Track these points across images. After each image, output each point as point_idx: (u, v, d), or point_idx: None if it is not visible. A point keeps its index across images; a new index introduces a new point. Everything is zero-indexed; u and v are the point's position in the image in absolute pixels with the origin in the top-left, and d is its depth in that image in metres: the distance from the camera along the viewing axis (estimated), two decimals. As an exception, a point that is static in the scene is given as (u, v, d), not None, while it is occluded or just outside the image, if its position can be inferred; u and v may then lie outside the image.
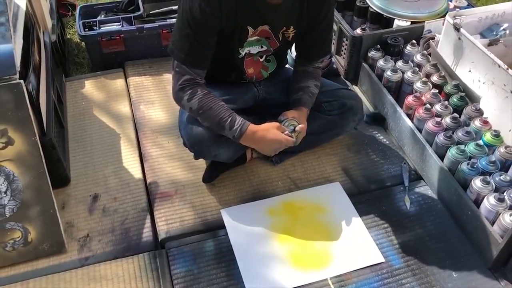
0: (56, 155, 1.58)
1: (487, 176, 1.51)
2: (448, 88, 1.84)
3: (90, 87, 2.05)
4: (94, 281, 1.41)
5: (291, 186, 1.72)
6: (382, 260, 1.49)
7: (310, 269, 1.46)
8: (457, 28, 1.83)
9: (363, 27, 2.08)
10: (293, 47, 1.77)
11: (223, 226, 1.57)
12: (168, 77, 2.10)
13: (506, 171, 1.58)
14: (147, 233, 1.55)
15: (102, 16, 2.18)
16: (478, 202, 1.52)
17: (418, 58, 1.97)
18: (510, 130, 1.68)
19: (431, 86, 1.85)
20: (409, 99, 1.82)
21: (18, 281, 1.41)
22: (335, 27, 2.09)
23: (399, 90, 1.94)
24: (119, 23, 2.12)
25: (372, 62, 2.02)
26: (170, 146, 1.81)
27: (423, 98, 1.81)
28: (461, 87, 1.83)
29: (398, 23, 2.08)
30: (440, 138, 1.66)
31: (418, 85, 1.85)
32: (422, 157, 1.74)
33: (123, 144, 1.83)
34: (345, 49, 2.11)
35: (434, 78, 1.88)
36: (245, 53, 1.58)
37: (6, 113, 1.34)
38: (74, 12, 2.46)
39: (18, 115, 1.36)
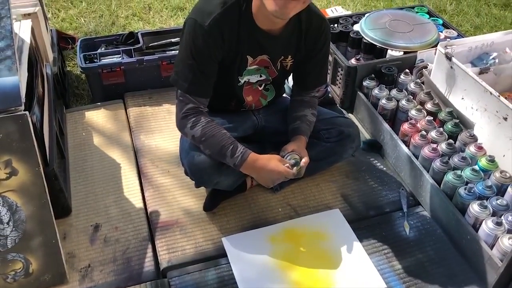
0: (58, 185, 1.59)
1: (484, 201, 1.54)
2: (442, 115, 1.88)
3: (90, 118, 2.08)
4: (96, 312, 1.41)
5: (292, 213, 1.74)
6: (384, 285, 1.49)
7: (313, 296, 1.46)
8: (449, 57, 1.90)
9: (357, 57, 2.15)
10: (290, 77, 1.82)
11: (225, 255, 1.57)
12: (168, 107, 2.13)
13: (502, 195, 1.61)
14: (148, 263, 1.55)
15: (103, 48, 2.22)
16: (476, 226, 1.55)
17: (412, 86, 2.03)
18: (504, 156, 1.72)
19: (425, 113, 1.90)
20: (405, 126, 1.86)
21: (19, 313, 1.40)
22: (330, 58, 2.15)
23: (395, 117, 1.98)
24: (119, 56, 2.16)
25: (367, 91, 2.07)
26: (171, 175, 1.83)
27: (418, 125, 1.85)
28: (455, 114, 1.87)
29: (391, 53, 2.15)
30: (437, 164, 1.69)
31: (413, 112, 1.90)
32: (420, 183, 1.77)
33: (124, 174, 1.84)
34: (340, 78, 2.16)
35: (428, 106, 1.93)
36: (244, 81, 1.62)
37: (11, 144, 1.36)
38: (74, 45, 2.50)
39: (22, 145, 1.37)
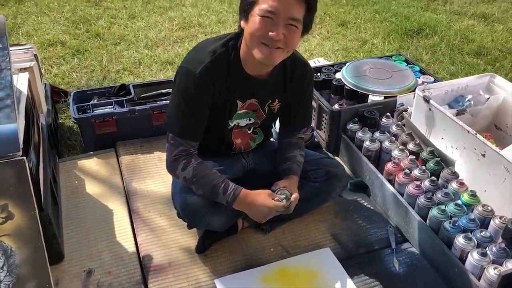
0: (52, 231, 1.61)
1: (469, 233, 1.59)
2: (424, 155, 1.97)
3: (82, 166, 2.12)
4: None
5: (283, 253, 1.76)
6: (377, 321, 1.51)
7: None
8: (427, 100, 2.01)
9: (340, 103, 2.25)
10: (277, 122, 1.90)
11: (218, 295, 1.58)
12: (159, 154, 2.19)
13: (486, 228, 1.67)
14: (142, 306, 1.55)
15: (95, 100, 2.30)
16: (463, 258, 1.59)
17: (393, 128, 2.12)
18: (485, 191, 1.79)
19: (408, 153, 1.98)
20: (389, 166, 1.93)
21: None
22: (314, 104, 2.25)
23: (379, 158, 2.06)
24: (111, 106, 2.24)
25: (351, 134, 2.16)
26: (162, 219, 1.86)
27: (401, 164, 1.92)
28: (436, 153, 1.96)
29: (372, 98, 2.26)
30: (422, 200, 1.75)
31: (396, 152, 1.98)
32: (406, 220, 1.82)
33: (116, 219, 1.87)
34: (325, 123, 2.26)
35: (410, 146, 2.02)
36: (234, 124, 1.69)
37: (8, 188, 1.40)
38: (67, 98, 2.58)
39: (19, 190, 1.41)
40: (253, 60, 1.51)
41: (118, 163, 2.15)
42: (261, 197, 1.58)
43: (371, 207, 1.98)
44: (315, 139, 2.31)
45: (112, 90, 2.38)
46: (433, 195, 1.76)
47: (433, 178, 1.82)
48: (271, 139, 1.98)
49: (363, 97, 2.29)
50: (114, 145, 2.24)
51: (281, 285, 1.64)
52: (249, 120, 1.72)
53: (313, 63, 2.91)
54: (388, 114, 2.18)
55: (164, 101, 2.30)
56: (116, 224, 1.84)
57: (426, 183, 1.82)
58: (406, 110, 2.20)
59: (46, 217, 1.56)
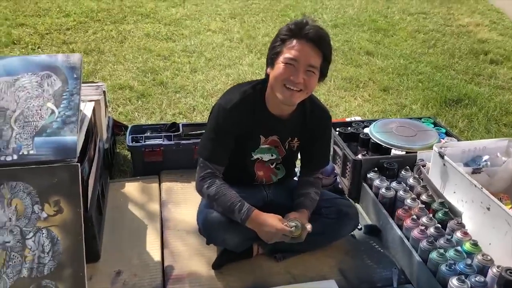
0: (92, 232, 1.89)
1: (463, 276, 1.69)
2: (435, 205, 2.09)
3: (129, 188, 2.43)
4: None
5: (291, 280, 1.92)
6: None
7: None
8: (441, 156, 2.16)
9: (363, 153, 2.44)
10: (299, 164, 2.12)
11: (227, 309, 1.77)
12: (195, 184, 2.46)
13: (485, 276, 1.75)
14: (158, 306, 1.77)
15: (148, 133, 2.65)
16: (456, 300, 1.68)
17: (410, 180, 2.27)
18: (490, 244, 1.88)
19: (419, 202, 2.11)
20: (399, 212, 2.07)
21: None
22: (340, 152, 2.46)
23: (393, 206, 2.20)
24: (161, 139, 2.57)
25: (371, 182, 2.33)
26: (188, 237, 2.10)
27: (411, 211, 2.06)
28: (446, 204, 2.08)
29: (394, 152, 2.43)
30: (424, 244, 1.88)
31: (408, 201, 2.12)
32: (410, 262, 1.93)
33: (149, 233, 2.13)
34: (348, 171, 2.44)
35: (423, 197, 2.15)
36: (257, 158, 1.94)
37: (62, 187, 1.71)
38: (126, 132, 2.95)
39: (70, 190, 1.72)
40: (276, 101, 1.79)
41: (159, 188, 2.45)
42: (271, 219, 1.79)
43: (381, 250, 2.11)
44: (339, 185, 2.49)
45: (164, 127, 2.73)
46: (435, 241, 1.88)
47: (438, 225, 1.94)
48: (294, 178, 2.20)
49: (387, 151, 2.47)
50: (159, 172, 2.54)
51: (284, 306, 1.79)
52: (272, 155, 1.97)
53: (349, 120, 3.13)
54: (407, 167, 2.34)
55: (206, 139, 2.59)
56: (148, 237, 2.10)
57: (431, 230, 1.94)
58: (424, 166, 2.34)
59: (89, 219, 1.85)
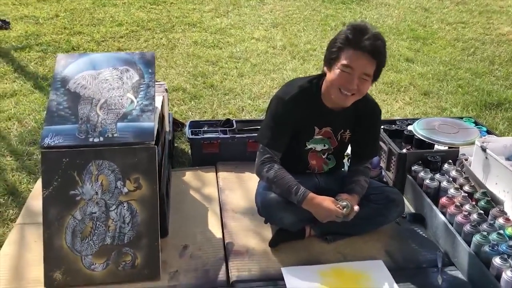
0: (163, 210, 2.11)
1: (505, 255, 1.82)
2: (477, 195, 2.23)
3: (189, 176, 2.66)
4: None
5: (341, 259, 2.09)
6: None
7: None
8: (483, 149, 2.29)
9: (408, 148, 2.59)
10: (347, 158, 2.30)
11: (282, 279, 1.95)
12: (249, 175, 2.66)
13: (526, 258, 1.88)
14: (222, 275, 1.97)
15: (205, 128, 2.88)
16: (499, 277, 1.81)
17: (453, 173, 2.41)
18: (531, 230, 2.00)
19: (462, 192, 2.25)
20: (443, 200, 2.22)
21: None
22: (385, 147, 2.62)
23: (437, 196, 2.34)
24: (217, 133, 2.80)
25: (415, 175, 2.48)
26: (246, 218, 2.30)
27: (455, 199, 2.20)
28: (488, 194, 2.21)
29: (437, 147, 2.57)
30: (468, 227, 2.01)
31: (451, 191, 2.26)
32: (453, 246, 2.07)
33: (209, 215, 2.34)
34: (393, 165, 2.60)
35: (466, 188, 2.29)
36: (310, 148, 2.13)
37: (142, 166, 1.94)
38: (183, 129, 3.20)
39: (149, 168, 1.95)
40: (331, 96, 1.97)
41: (216, 176, 2.66)
42: (326, 201, 1.97)
43: (425, 236, 2.25)
44: (384, 179, 2.65)
45: (219, 122, 2.95)
46: (478, 225, 2.01)
47: (481, 211, 2.08)
48: (342, 169, 2.37)
49: (430, 147, 2.61)
50: (215, 163, 2.76)
51: (334, 281, 1.96)
52: (324, 146, 2.15)
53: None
54: (450, 161, 2.48)
55: (258, 134, 2.80)
56: (210, 217, 2.32)
57: (475, 216, 2.07)
58: (466, 159, 2.48)
59: (161, 196, 2.07)
